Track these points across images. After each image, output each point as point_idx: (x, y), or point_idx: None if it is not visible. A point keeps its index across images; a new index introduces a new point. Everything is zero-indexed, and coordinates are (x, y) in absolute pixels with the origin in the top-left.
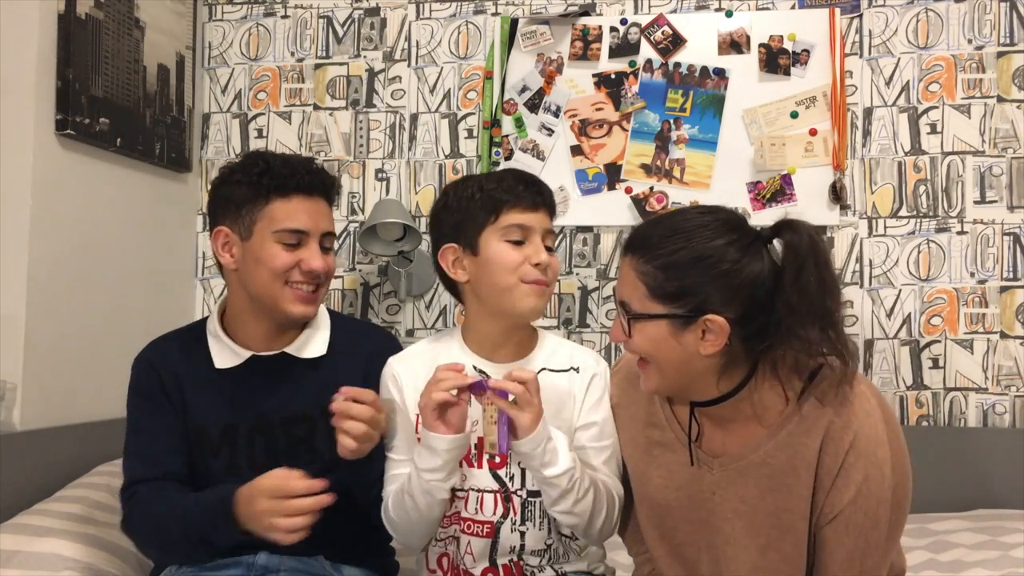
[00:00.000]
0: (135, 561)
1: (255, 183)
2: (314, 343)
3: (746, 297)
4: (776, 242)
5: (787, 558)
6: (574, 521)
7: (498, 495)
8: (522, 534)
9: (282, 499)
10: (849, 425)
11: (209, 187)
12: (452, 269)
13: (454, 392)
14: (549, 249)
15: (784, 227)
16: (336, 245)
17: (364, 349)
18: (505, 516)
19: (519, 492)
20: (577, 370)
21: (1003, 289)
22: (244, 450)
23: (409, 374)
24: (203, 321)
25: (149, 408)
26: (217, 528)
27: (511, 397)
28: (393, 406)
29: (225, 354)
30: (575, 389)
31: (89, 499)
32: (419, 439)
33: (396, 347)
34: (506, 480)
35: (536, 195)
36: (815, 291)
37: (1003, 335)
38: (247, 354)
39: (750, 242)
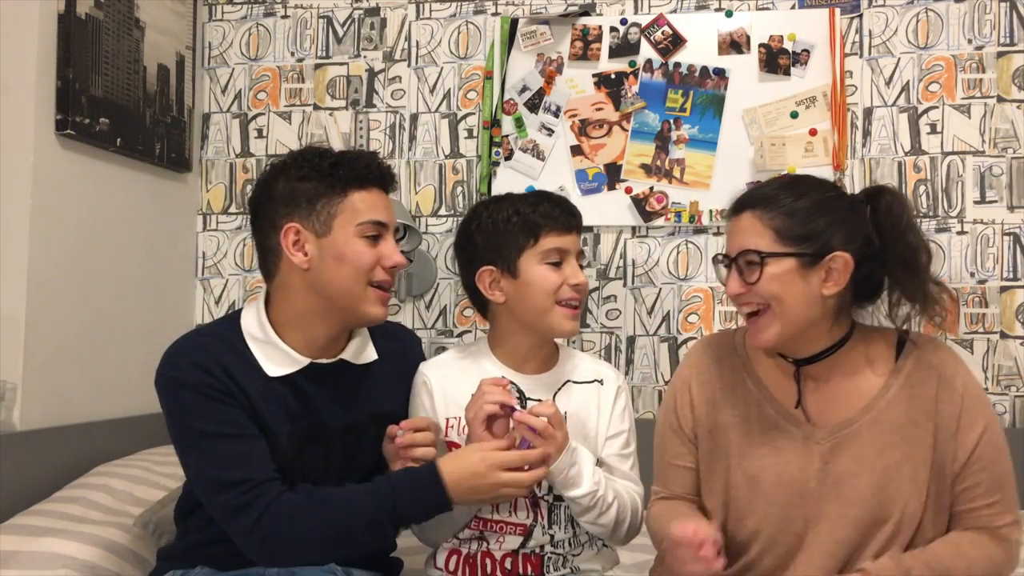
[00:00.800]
0: (134, 560)
1: (329, 174)
2: (366, 349)
3: (863, 240)
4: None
5: (907, 509)
6: (598, 531)
7: (527, 501)
8: (551, 537)
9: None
10: (957, 372)
11: (253, 187)
12: (489, 290)
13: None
14: (581, 267)
15: (878, 191)
16: None
17: (407, 354)
18: (536, 520)
19: (546, 497)
20: (602, 382)
21: (1003, 289)
22: (295, 461)
23: (440, 382)
24: (229, 323)
25: (223, 410)
26: (423, 501)
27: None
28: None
29: (278, 360)
30: (601, 400)
31: (88, 499)
32: (450, 446)
33: (421, 347)
34: (534, 487)
35: (571, 217)
36: (915, 246)
37: (1003, 335)
38: (305, 361)
39: (851, 199)
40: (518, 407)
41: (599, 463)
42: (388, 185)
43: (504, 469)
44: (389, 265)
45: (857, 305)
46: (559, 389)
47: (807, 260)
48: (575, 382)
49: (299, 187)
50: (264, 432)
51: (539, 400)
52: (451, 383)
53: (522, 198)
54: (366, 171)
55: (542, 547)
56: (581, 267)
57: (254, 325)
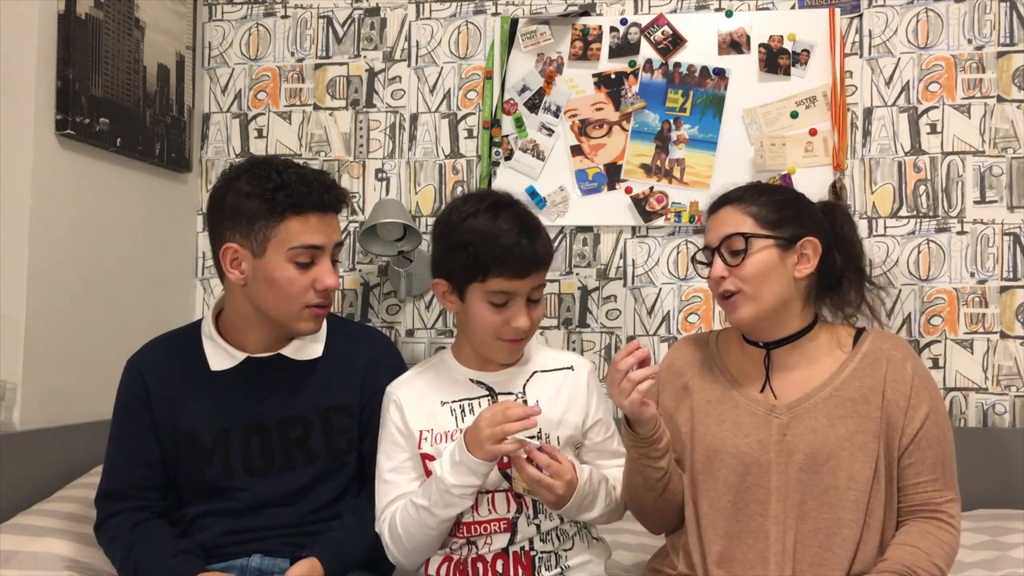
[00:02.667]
0: None
1: (269, 198)
2: (310, 346)
3: (827, 233)
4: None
5: (856, 477)
6: (599, 523)
7: (509, 493)
8: (538, 526)
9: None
10: (907, 356)
11: (210, 191)
12: (442, 300)
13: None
14: (534, 301)
15: (833, 207)
16: None
17: (363, 353)
18: (520, 511)
19: (563, 516)
20: (572, 368)
21: (1003, 289)
22: (239, 452)
23: (408, 397)
24: (198, 323)
25: (128, 419)
26: None
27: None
28: None
29: (220, 356)
30: (575, 387)
31: (88, 499)
32: (424, 457)
33: (393, 349)
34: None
35: (530, 263)
36: (859, 254)
37: (1003, 335)
38: (242, 356)
39: (811, 202)
40: (528, 446)
41: (584, 450)
42: (331, 208)
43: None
44: (320, 288)
45: (820, 294)
46: (528, 380)
47: (783, 243)
48: (543, 371)
49: (243, 204)
50: (184, 432)
51: (509, 394)
52: (419, 396)
53: (491, 221)
54: (304, 197)
55: (531, 542)
56: (534, 301)
57: (206, 323)
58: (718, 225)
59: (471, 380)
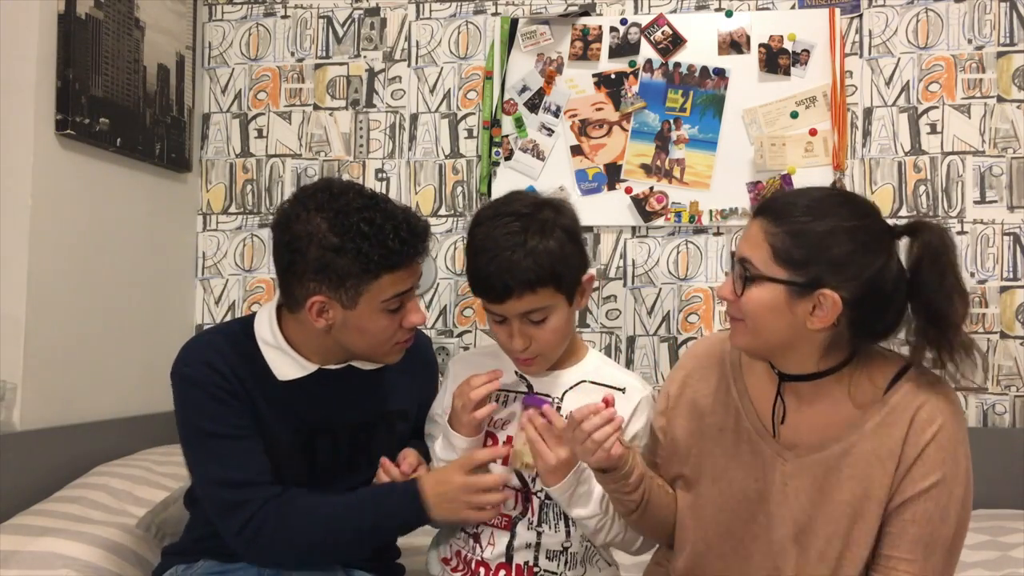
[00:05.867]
0: (135, 560)
1: (364, 259)
2: None
3: (866, 282)
4: (905, 240)
5: (854, 547)
6: (612, 545)
7: (519, 493)
8: (539, 533)
9: (475, 493)
10: (934, 419)
11: (278, 226)
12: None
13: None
14: (535, 322)
15: (920, 227)
16: None
17: (416, 359)
18: (523, 514)
19: (538, 493)
20: (623, 391)
21: (1003, 289)
22: (308, 456)
23: (459, 374)
24: (246, 325)
25: (224, 411)
26: (405, 515)
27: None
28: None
29: (288, 366)
30: (623, 408)
31: (88, 499)
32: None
33: (431, 344)
34: (528, 480)
35: (503, 292)
36: (953, 294)
37: (1003, 335)
38: (313, 367)
39: (882, 232)
40: (536, 397)
41: None
42: (421, 256)
43: (478, 491)
44: (408, 326)
45: (859, 341)
46: (571, 387)
47: (795, 290)
48: (593, 383)
49: (332, 261)
50: (265, 434)
51: (546, 395)
52: (463, 375)
53: (475, 260)
54: (400, 257)
55: (536, 559)
56: (534, 322)
57: (267, 332)
58: (745, 237)
59: (516, 372)
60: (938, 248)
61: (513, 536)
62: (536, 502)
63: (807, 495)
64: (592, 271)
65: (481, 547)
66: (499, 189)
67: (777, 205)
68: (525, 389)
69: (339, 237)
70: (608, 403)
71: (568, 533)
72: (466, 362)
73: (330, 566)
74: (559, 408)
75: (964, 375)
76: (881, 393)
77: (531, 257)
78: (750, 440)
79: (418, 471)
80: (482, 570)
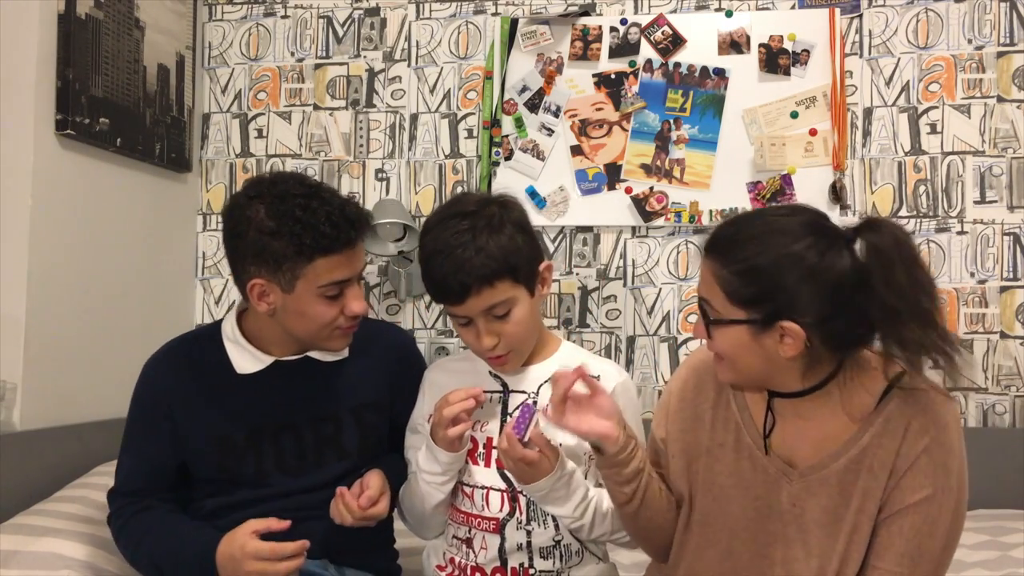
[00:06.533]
0: None
1: (297, 241)
2: None
3: (826, 299)
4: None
5: (848, 560)
6: (595, 539)
7: (504, 494)
8: (528, 532)
9: (269, 562)
10: (927, 430)
11: (225, 214)
12: None
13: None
14: (498, 318)
15: (866, 227)
16: None
17: (389, 349)
18: (511, 515)
19: (524, 492)
20: (597, 378)
21: (1003, 289)
22: (271, 452)
23: (437, 382)
24: (217, 326)
25: (144, 427)
26: (175, 569)
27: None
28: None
29: (246, 359)
30: None
31: (89, 499)
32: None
33: (413, 342)
34: (513, 480)
35: (461, 291)
36: (909, 291)
37: (1003, 335)
38: (269, 360)
39: (830, 243)
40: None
41: (590, 464)
42: (357, 240)
43: (259, 559)
44: (350, 315)
45: (841, 353)
46: (546, 381)
47: (757, 326)
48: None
49: (268, 244)
50: (214, 434)
51: (523, 392)
52: (446, 382)
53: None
54: (333, 240)
55: (531, 559)
56: (499, 317)
57: (228, 327)
58: (700, 278)
59: (489, 373)
60: (891, 248)
61: (503, 539)
62: (523, 500)
63: (812, 516)
64: (549, 261)
65: (474, 552)
66: (499, 189)
67: (720, 243)
68: (501, 388)
69: (275, 221)
70: (581, 373)
71: (557, 527)
72: (441, 369)
73: (321, 562)
74: (534, 402)
75: (953, 375)
76: (875, 402)
77: (483, 252)
78: (751, 456)
79: (378, 505)
80: (477, 575)
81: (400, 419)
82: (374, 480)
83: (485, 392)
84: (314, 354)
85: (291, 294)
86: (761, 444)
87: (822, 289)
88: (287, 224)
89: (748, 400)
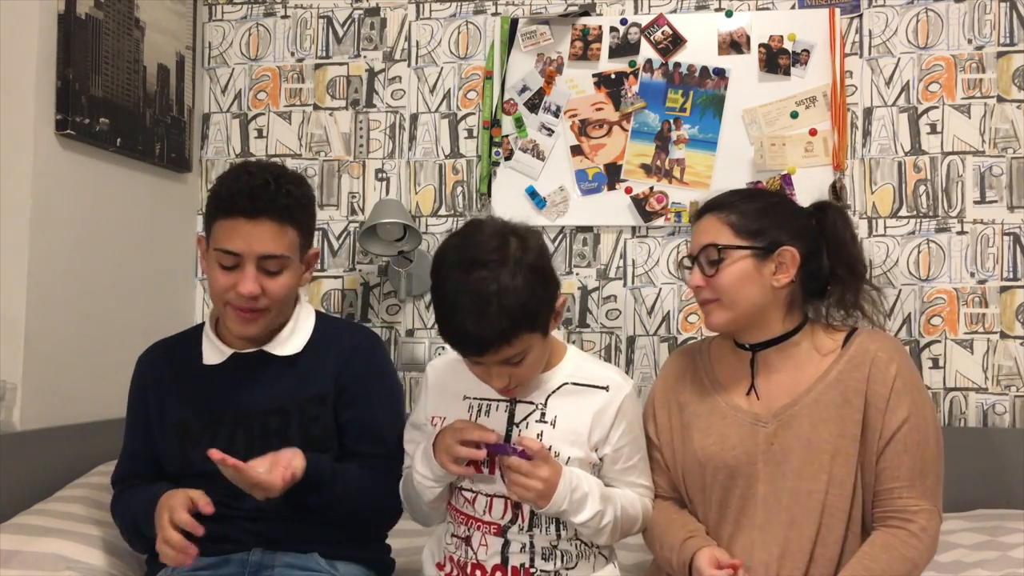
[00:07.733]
0: (135, 561)
1: (213, 199)
2: (291, 342)
3: (809, 238)
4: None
5: (839, 482)
6: (612, 542)
7: (508, 502)
8: (531, 536)
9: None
10: (893, 358)
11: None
12: None
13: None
14: (513, 364)
15: (824, 207)
16: (336, 246)
17: (342, 345)
18: (513, 521)
19: (545, 513)
20: (607, 389)
21: (1003, 289)
22: (224, 440)
23: (436, 380)
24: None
25: (134, 410)
26: (146, 523)
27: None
28: None
29: (212, 351)
30: (605, 409)
31: (89, 499)
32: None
33: (376, 342)
34: (534, 507)
35: (481, 348)
36: (851, 249)
37: (1003, 335)
38: (229, 352)
39: (798, 206)
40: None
41: (601, 475)
42: (265, 215)
43: (170, 516)
44: (236, 293)
45: (806, 300)
46: (555, 391)
47: (759, 253)
48: (575, 384)
49: (208, 202)
50: (174, 419)
51: (531, 403)
52: (448, 381)
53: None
54: (225, 203)
55: (532, 560)
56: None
57: (207, 321)
58: (698, 234)
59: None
60: (842, 224)
61: (507, 543)
62: (526, 508)
63: (789, 447)
64: (563, 296)
65: (474, 550)
66: (499, 189)
67: (718, 201)
68: (507, 399)
69: (218, 184)
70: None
71: (559, 535)
72: (445, 366)
73: (311, 556)
74: (543, 413)
75: (875, 316)
76: (840, 345)
77: (504, 313)
78: (727, 417)
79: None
80: (478, 572)
81: (344, 414)
82: (299, 467)
83: (492, 400)
84: (269, 348)
85: (208, 252)
86: (736, 405)
87: (806, 228)
88: (218, 184)
89: (720, 376)
